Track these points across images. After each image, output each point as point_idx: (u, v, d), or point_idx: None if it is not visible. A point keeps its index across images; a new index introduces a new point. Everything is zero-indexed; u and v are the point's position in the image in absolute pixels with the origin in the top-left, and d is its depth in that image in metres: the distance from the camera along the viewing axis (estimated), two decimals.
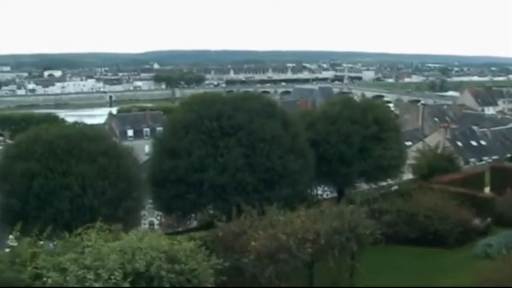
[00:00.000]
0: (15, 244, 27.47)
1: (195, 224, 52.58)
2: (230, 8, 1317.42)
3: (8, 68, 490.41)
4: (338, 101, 55.03)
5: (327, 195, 57.66)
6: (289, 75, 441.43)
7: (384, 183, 54.78)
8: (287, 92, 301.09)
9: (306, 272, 33.51)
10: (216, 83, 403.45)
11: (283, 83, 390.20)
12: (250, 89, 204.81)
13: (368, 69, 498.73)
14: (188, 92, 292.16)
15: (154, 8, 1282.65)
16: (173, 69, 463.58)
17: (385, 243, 36.36)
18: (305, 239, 31.40)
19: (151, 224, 73.51)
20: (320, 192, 57.73)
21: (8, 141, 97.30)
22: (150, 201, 50.16)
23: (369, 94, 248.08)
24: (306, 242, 31.33)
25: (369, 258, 35.41)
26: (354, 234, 33.59)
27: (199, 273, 25.82)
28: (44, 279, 23.74)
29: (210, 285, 26.32)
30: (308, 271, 33.59)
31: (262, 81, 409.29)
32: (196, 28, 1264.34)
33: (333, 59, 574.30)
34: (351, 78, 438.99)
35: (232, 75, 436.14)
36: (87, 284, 22.98)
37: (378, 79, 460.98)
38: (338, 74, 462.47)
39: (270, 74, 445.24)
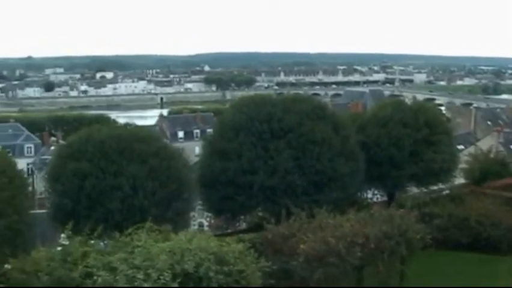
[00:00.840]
0: (67, 243, 27.82)
1: (244, 226, 52.56)
2: (281, 10, 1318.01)
3: (61, 70, 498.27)
4: (389, 104, 54.65)
5: (377, 198, 57.22)
6: (339, 77, 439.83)
7: (435, 188, 54.12)
8: (337, 95, 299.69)
9: (355, 276, 33.22)
10: (266, 85, 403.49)
11: (334, 86, 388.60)
12: (301, 91, 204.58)
13: (419, 72, 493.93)
14: (239, 94, 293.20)
15: (204, 10, 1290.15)
16: (224, 71, 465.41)
17: (435, 248, 35.81)
18: (354, 242, 31.14)
19: (201, 225, 73.79)
20: (369, 195, 57.31)
21: (61, 141, 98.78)
22: (200, 202, 50.49)
23: (420, 97, 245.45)
24: (355, 245, 31.05)
25: (419, 263, 34.97)
26: (404, 239, 33.16)
27: (248, 275, 25.81)
28: (95, 278, 23.99)
29: None
30: (357, 275, 33.31)
31: (313, 84, 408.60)
32: (247, 30, 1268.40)
33: (384, 62, 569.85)
34: (402, 81, 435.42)
35: (282, 77, 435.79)
36: (136, 284, 23.16)
37: (429, 82, 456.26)
38: (389, 76, 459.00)
39: (321, 77, 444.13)
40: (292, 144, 43.83)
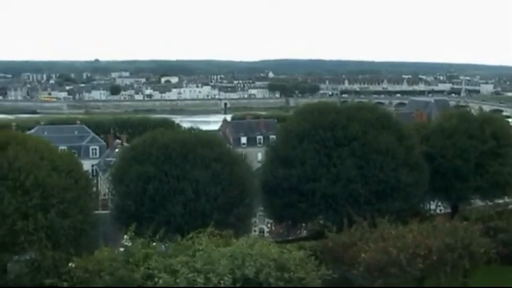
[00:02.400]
0: (129, 244, 28.21)
1: (304, 233, 52.47)
2: (346, 18, 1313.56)
3: (127, 74, 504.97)
4: (455, 115, 53.94)
5: (441, 210, 56.38)
6: (404, 86, 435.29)
7: (500, 201, 53.05)
8: (402, 104, 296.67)
9: None
10: (330, 92, 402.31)
11: (398, 95, 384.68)
12: (365, 100, 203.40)
13: (486, 82, 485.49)
14: (303, 101, 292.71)
15: (270, 16, 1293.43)
16: (288, 78, 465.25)
17: (500, 262, 35.20)
18: (416, 254, 30.82)
19: (261, 231, 73.78)
20: (433, 207, 56.53)
21: (125, 144, 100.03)
22: (261, 208, 50.54)
23: (487, 108, 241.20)
24: (417, 257, 30.74)
25: (483, 278, 34.40)
26: (467, 252, 32.65)
27: (308, 282, 25.78)
28: (156, 279, 24.31)
29: None
30: (418, 287, 32.91)
31: (377, 92, 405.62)
32: (312, 37, 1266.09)
33: (450, 71, 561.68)
34: (469, 91, 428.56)
35: (346, 85, 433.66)
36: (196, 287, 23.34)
37: (497, 92, 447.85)
38: (455, 86, 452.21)
39: (385, 85, 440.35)
40: (355, 153, 43.63)
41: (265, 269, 24.73)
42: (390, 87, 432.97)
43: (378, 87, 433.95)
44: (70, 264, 30.01)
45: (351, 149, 43.71)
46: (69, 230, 35.76)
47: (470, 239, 33.17)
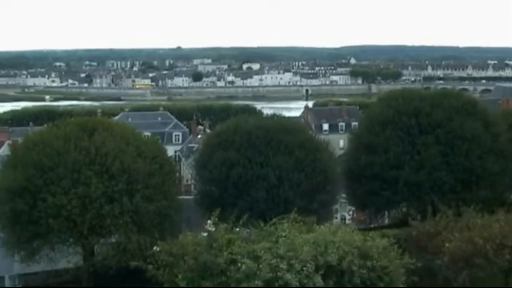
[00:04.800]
0: (213, 229, 28.51)
1: (386, 221, 52.10)
2: (429, 3, 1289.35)
3: (209, 61, 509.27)
4: None
5: None
6: (490, 72, 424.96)
7: None
8: (487, 90, 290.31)
9: (502, 280, 32.15)
10: (413, 79, 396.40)
11: (483, 81, 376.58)
12: (449, 86, 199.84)
13: None
14: (385, 87, 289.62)
15: (351, 2, 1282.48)
16: (370, 64, 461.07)
17: None
18: (503, 244, 30.13)
19: (342, 218, 73.54)
20: None
21: (208, 130, 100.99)
22: (343, 195, 50.39)
23: None
24: (504, 247, 30.06)
25: None
26: None
27: (391, 271, 25.57)
28: (239, 265, 24.51)
29: (401, 285, 25.97)
30: (504, 279, 32.23)
31: (461, 78, 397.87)
32: (393, 23, 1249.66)
33: None
34: None
35: (430, 71, 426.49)
36: (279, 274, 23.43)
37: None
38: None
39: (470, 71, 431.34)
40: (440, 140, 42.95)
41: (348, 257, 24.65)
42: (475, 73, 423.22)
43: (463, 73, 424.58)
44: (154, 248, 30.63)
45: (435, 136, 43.05)
46: (154, 214, 36.43)
47: None
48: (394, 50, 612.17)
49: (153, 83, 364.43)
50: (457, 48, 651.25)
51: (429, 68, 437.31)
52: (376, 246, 26.12)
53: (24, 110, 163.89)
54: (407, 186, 42.44)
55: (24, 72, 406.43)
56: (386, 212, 49.57)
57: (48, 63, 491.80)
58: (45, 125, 45.79)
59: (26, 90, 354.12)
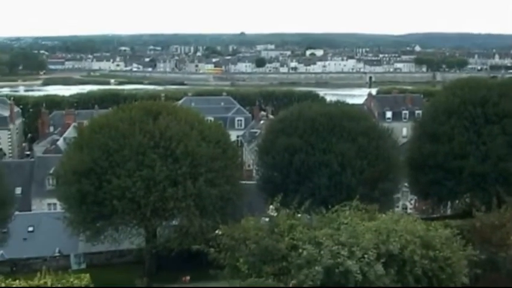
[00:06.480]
0: (275, 214, 28.64)
1: (449, 211, 51.51)
2: None
3: (272, 46, 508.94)
4: None
5: None
6: None
7: None
8: None
9: None
10: (479, 67, 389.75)
11: None
12: None
13: None
14: (450, 75, 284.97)
15: None
16: (435, 52, 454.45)
17: None
18: None
19: (404, 207, 73.02)
20: None
21: (270, 116, 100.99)
22: (405, 184, 49.99)
23: None
24: None
25: None
26: None
27: (453, 262, 25.28)
28: (300, 250, 24.56)
29: (463, 277, 25.65)
30: None
31: None
32: (460, 10, 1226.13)
33: None
34: None
35: (497, 60, 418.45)
36: (340, 260, 23.40)
37: None
38: None
39: None
40: (507, 130, 42.26)
41: (410, 246, 24.47)
42: None
43: None
44: (216, 232, 30.87)
45: (502, 126, 42.40)
46: (216, 198, 36.80)
47: None
48: (460, 38, 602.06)
49: (222, 68, 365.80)
50: None
51: (497, 56, 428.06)
52: (439, 237, 25.87)
53: (90, 93, 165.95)
54: (471, 176, 41.93)
55: (90, 56, 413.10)
56: (448, 202, 48.96)
57: (113, 47, 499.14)
58: (110, 108, 46.59)
59: (92, 74, 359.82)
